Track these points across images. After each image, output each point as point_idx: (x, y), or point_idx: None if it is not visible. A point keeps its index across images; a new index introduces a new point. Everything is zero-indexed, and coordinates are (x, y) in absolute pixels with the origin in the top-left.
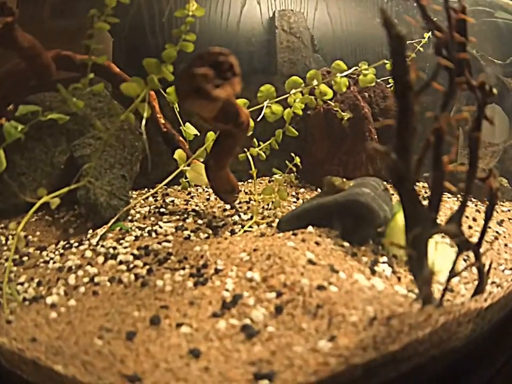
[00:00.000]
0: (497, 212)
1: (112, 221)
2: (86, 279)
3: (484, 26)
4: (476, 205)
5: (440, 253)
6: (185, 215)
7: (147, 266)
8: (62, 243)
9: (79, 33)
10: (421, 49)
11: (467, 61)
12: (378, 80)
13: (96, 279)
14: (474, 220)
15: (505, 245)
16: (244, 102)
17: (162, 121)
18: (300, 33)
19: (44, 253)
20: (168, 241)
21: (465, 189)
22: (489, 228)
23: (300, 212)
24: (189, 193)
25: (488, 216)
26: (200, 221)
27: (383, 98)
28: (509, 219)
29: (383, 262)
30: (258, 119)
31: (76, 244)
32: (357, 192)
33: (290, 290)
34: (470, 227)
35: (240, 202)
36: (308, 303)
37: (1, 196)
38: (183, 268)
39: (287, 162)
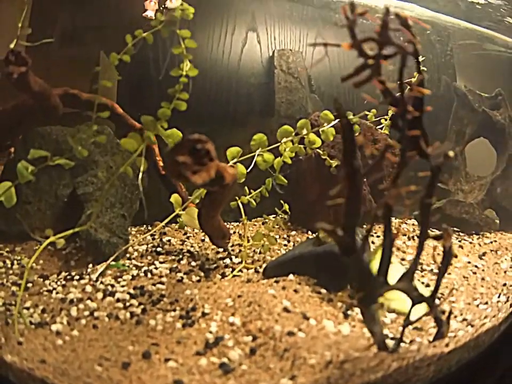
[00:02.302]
0: (480, 245)
1: (111, 259)
2: (86, 313)
3: (473, 59)
4: (460, 240)
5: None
6: (180, 256)
7: (142, 306)
8: (63, 274)
9: (87, 62)
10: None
11: (423, 132)
12: (369, 124)
13: (95, 314)
14: (455, 256)
15: (483, 278)
16: (238, 150)
17: (161, 164)
18: (297, 73)
19: (47, 282)
20: (162, 283)
21: (417, 248)
22: (469, 262)
23: (282, 260)
24: (185, 233)
25: (441, 273)
26: (193, 263)
27: (373, 142)
28: (491, 251)
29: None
30: (249, 168)
31: (77, 277)
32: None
33: (264, 335)
34: (450, 264)
35: (233, 245)
36: (278, 346)
37: (8, 221)
38: (174, 310)
39: (276, 209)
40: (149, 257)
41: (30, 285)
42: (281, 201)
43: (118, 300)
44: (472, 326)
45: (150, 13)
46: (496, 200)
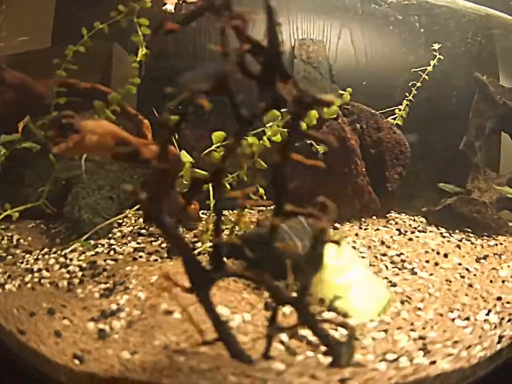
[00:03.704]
0: (482, 247)
1: (85, 236)
2: (36, 280)
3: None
4: (460, 239)
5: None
6: (158, 238)
7: (82, 278)
8: (45, 250)
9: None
10: (427, 77)
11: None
12: (373, 111)
13: (42, 281)
14: (445, 256)
15: (470, 285)
16: (222, 134)
17: None
18: (318, 63)
19: (27, 256)
20: (116, 260)
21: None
22: (460, 264)
23: (226, 244)
24: None
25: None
26: (163, 245)
27: (377, 130)
28: (495, 254)
29: None
30: None
31: (53, 253)
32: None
33: (150, 310)
34: (436, 264)
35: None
36: (150, 323)
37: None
38: (106, 283)
39: (251, 195)
40: (129, 238)
41: (10, 257)
42: (258, 187)
43: (68, 272)
44: (426, 352)
45: (169, 7)
46: None
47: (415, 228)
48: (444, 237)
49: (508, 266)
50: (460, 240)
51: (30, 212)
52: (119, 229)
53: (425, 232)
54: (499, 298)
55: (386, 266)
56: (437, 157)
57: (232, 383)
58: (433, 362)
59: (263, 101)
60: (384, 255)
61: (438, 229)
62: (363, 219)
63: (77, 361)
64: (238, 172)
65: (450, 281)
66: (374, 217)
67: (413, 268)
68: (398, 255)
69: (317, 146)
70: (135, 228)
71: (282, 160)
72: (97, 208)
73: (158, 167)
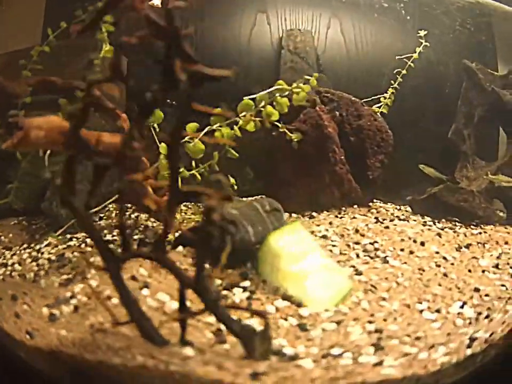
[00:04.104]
0: (465, 236)
1: (60, 231)
2: (8, 273)
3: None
4: (443, 228)
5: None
6: (135, 231)
7: (48, 270)
8: (24, 246)
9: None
10: (412, 64)
11: None
12: (353, 98)
13: (13, 273)
14: (422, 244)
15: (445, 274)
16: (195, 125)
17: None
18: (305, 53)
19: (6, 252)
20: (84, 252)
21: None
22: (437, 253)
23: (186, 231)
24: None
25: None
26: (136, 237)
27: (357, 117)
28: (478, 243)
29: (243, 287)
30: None
31: (29, 248)
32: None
33: (95, 296)
34: (411, 252)
35: None
36: (94, 308)
37: None
38: (68, 274)
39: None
40: (106, 231)
41: None
42: (229, 176)
43: (37, 265)
44: (378, 349)
45: (156, 1)
46: (503, 190)
47: (397, 216)
48: (424, 225)
49: (491, 255)
50: (442, 229)
51: (13, 210)
52: (99, 222)
53: (406, 221)
54: (477, 290)
55: (357, 255)
56: (430, 146)
57: (138, 362)
58: (379, 364)
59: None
60: (357, 243)
61: (423, 218)
62: (343, 208)
63: (28, 337)
64: (209, 162)
65: (423, 270)
66: (356, 206)
67: (386, 256)
68: (372, 244)
69: (290, 135)
70: (114, 221)
71: (174, 140)
72: None
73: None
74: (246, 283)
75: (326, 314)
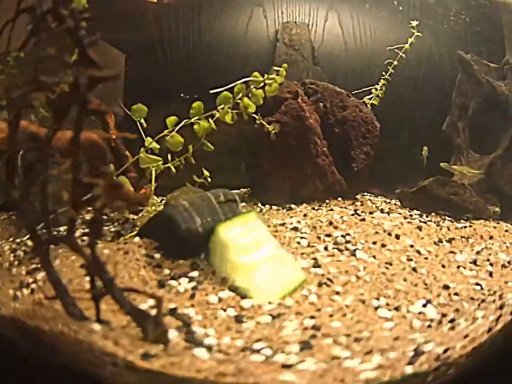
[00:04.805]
0: (449, 229)
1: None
2: None
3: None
4: (425, 222)
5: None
6: (114, 223)
7: (22, 260)
8: (11, 239)
9: None
10: (403, 55)
11: None
12: (338, 89)
13: None
14: (397, 237)
15: (414, 269)
16: (175, 119)
17: (114, 137)
18: (300, 45)
19: None
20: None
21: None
22: (412, 246)
23: (146, 222)
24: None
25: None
26: (113, 229)
27: (342, 108)
28: (462, 237)
29: (190, 277)
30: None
31: (11, 241)
32: (172, 205)
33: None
34: (383, 245)
35: None
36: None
37: None
38: (38, 263)
39: (194, 177)
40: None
41: None
42: (203, 169)
43: (14, 256)
44: (303, 348)
45: None
46: (497, 184)
47: (381, 209)
48: (406, 218)
49: (472, 250)
50: (425, 222)
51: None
52: (84, 215)
53: (388, 213)
54: (446, 287)
55: (326, 247)
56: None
57: (58, 329)
58: (288, 366)
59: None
60: (329, 235)
61: (410, 212)
62: (327, 200)
63: None
64: (184, 155)
65: (390, 264)
66: (340, 198)
67: (356, 249)
68: (343, 236)
69: (268, 127)
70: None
71: (74, 136)
72: (59, 197)
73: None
74: (195, 273)
75: (268, 307)
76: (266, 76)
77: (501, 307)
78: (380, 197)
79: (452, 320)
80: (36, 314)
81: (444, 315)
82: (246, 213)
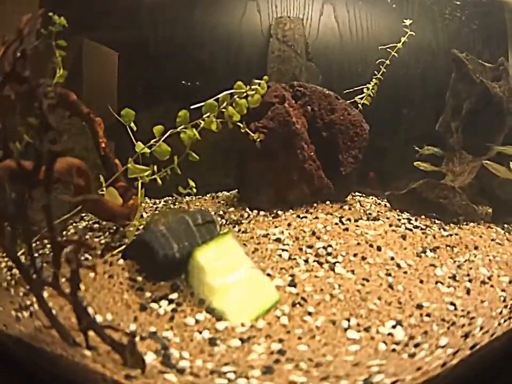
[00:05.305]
0: (434, 238)
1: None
2: None
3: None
4: (410, 229)
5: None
6: (106, 233)
7: (18, 279)
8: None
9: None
10: (396, 54)
11: None
12: (327, 92)
13: None
14: (379, 249)
15: (390, 286)
16: (161, 128)
17: (103, 145)
18: (293, 41)
19: None
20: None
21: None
22: (392, 259)
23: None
24: None
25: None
26: (103, 240)
27: (330, 111)
28: (447, 246)
29: (170, 299)
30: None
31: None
32: (150, 230)
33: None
34: (363, 258)
35: None
36: None
37: None
38: None
39: (180, 188)
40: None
41: None
42: (188, 179)
43: (11, 274)
44: (265, 372)
45: None
46: (488, 187)
47: (368, 213)
48: (391, 225)
49: (454, 262)
50: (411, 229)
51: None
52: (77, 224)
53: (376, 220)
54: (419, 307)
55: (306, 260)
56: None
57: (58, 352)
58: None
59: None
60: (310, 247)
61: (400, 215)
62: (315, 204)
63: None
64: (170, 166)
65: (367, 280)
66: (328, 202)
67: (336, 262)
68: (325, 248)
69: (253, 135)
70: (90, 222)
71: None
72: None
73: None
74: (175, 295)
75: (240, 329)
76: (248, 87)
77: (466, 336)
78: (371, 197)
79: (416, 345)
80: (38, 339)
81: (411, 337)
82: (222, 235)
